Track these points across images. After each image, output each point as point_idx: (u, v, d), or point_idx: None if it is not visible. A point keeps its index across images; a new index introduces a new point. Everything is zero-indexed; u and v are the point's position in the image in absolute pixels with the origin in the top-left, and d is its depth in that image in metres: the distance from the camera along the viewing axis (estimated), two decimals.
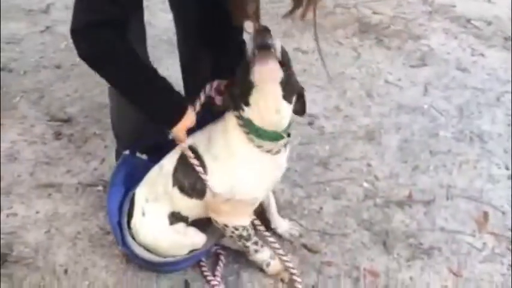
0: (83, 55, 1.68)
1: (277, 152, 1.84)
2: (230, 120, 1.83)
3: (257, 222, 2.09)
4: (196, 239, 2.03)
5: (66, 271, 2.09)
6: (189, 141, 1.88)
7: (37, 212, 2.33)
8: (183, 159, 1.90)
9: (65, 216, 2.31)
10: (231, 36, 2.02)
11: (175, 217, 1.98)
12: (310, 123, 2.86)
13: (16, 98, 2.98)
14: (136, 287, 1.99)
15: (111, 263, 2.10)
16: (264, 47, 1.66)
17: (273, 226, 2.22)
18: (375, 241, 2.24)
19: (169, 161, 1.97)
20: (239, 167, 1.83)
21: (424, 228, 2.30)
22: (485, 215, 2.36)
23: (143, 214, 1.99)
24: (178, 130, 1.83)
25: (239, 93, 1.76)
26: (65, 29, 3.51)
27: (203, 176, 1.83)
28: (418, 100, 3.05)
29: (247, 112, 1.76)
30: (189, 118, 1.83)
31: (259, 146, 1.80)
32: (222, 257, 2.10)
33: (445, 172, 2.58)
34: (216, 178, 1.84)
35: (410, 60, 3.39)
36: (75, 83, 3.10)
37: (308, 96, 2.99)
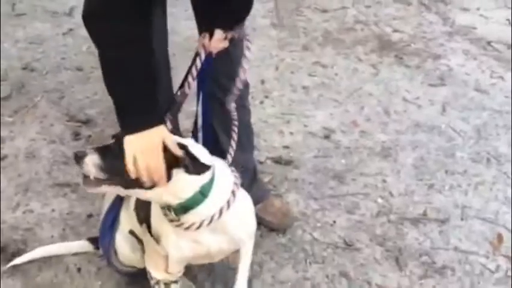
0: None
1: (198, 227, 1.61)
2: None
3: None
4: None
5: (79, 270, 2.11)
6: None
7: (53, 210, 2.36)
8: None
9: (80, 216, 2.33)
10: None
11: None
12: (327, 137, 2.87)
13: (37, 97, 3.01)
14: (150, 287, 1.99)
15: None
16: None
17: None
18: (387, 257, 2.24)
19: None
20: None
21: (437, 247, 2.29)
22: (500, 237, 2.34)
23: None
24: (132, 144, 1.48)
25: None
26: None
27: None
28: (435, 119, 3.04)
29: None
30: (151, 138, 1.49)
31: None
32: None
33: (460, 192, 2.57)
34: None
35: (429, 79, 3.38)
36: (95, 85, 3.12)
37: (326, 110, 3.06)
